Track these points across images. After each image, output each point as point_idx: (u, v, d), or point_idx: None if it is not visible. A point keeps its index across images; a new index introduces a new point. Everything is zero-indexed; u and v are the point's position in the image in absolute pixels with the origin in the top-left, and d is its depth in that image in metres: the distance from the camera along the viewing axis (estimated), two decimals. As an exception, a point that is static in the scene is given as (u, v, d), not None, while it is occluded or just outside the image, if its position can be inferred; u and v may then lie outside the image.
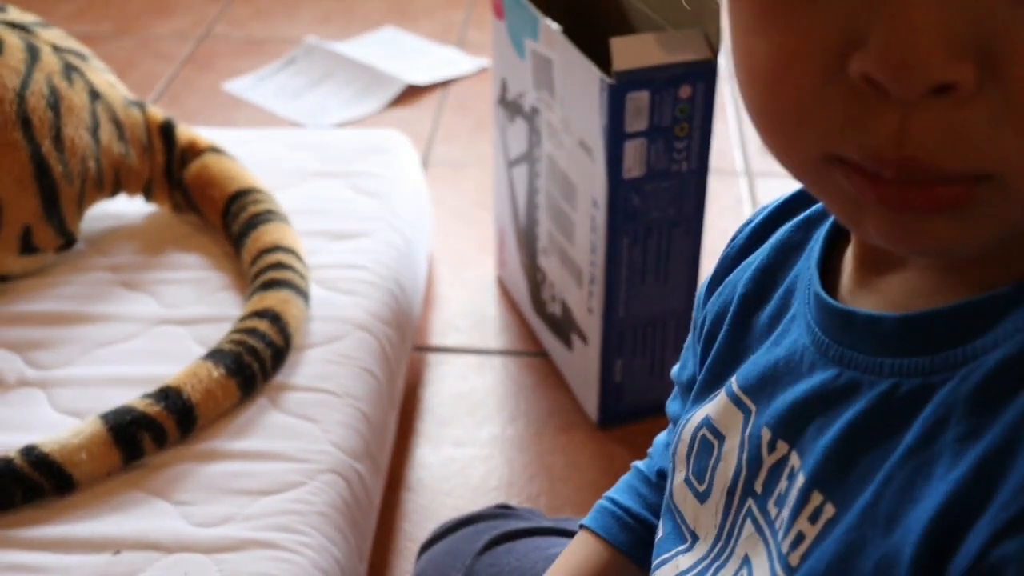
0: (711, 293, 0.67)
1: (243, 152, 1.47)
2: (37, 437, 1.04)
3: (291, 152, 1.59)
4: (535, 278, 1.51)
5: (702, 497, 0.62)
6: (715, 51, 1.19)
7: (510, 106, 1.47)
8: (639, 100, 1.19)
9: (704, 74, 1.20)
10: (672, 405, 0.76)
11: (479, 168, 1.96)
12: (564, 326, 1.43)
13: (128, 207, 1.45)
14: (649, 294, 1.31)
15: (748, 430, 0.58)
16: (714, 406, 0.61)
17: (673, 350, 1.37)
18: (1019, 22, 0.38)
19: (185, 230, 1.43)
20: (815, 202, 0.62)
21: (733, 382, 0.60)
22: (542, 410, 1.43)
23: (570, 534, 0.94)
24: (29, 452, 1.02)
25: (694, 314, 0.71)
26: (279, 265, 1.26)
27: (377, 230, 1.43)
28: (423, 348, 1.55)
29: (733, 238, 0.67)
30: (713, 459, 0.60)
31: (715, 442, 0.60)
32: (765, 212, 0.66)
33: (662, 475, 0.77)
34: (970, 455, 0.44)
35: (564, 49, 1.26)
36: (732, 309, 0.63)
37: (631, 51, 1.17)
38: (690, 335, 0.72)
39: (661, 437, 0.81)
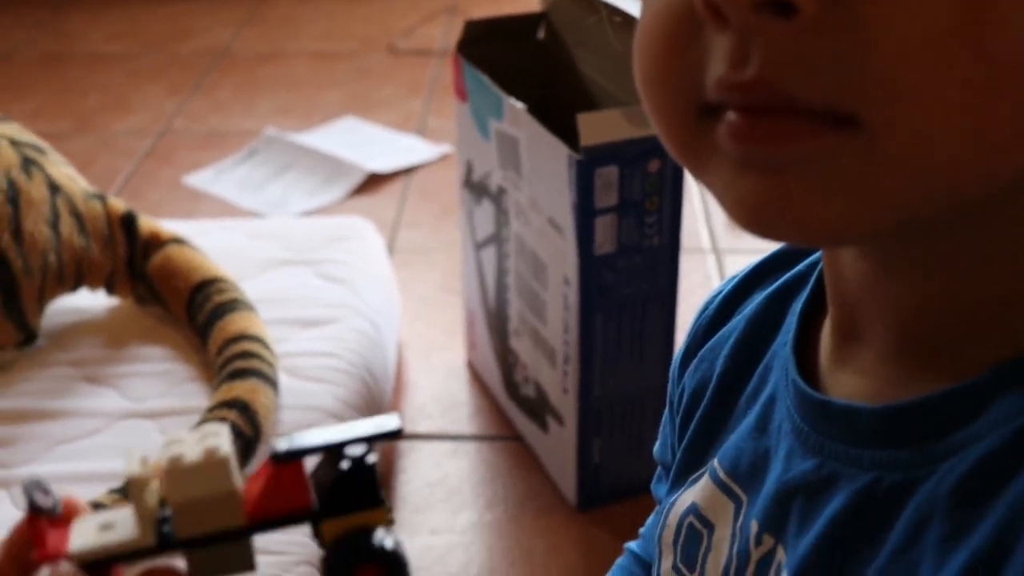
0: (685, 367, 0.63)
1: (206, 243, 1.45)
2: (-1, 539, 1.00)
3: (255, 241, 1.57)
4: (507, 360, 1.49)
5: None
6: (682, 125, 1.19)
7: (476, 187, 1.47)
8: (608, 175, 1.18)
9: (672, 148, 1.20)
10: (657, 488, 0.73)
11: (445, 253, 1.95)
12: (538, 408, 1.40)
13: (90, 301, 1.42)
14: (625, 372, 1.30)
15: (739, 521, 0.54)
16: (700, 492, 0.58)
17: (651, 427, 1.35)
18: None
19: (149, 323, 1.40)
20: (786, 269, 0.59)
21: (718, 467, 0.57)
22: (520, 494, 1.40)
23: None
24: (-10, 555, 0.98)
25: (669, 389, 0.68)
26: (246, 354, 1.24)
27: (345, 317, 1.40)
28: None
29: (703, 309, 0.64)
30: (703, 548, 0.57)
31: (704, 531, 0.57)
32: (734, 281, 0.63)
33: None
34: (957, 558, 0.41)
35: (530, 127, 1.26)
36: (712, 386, 0.59)
37: (599, 126, 1.17)
38: (666, 412, 0.69)
39: (651, 519, 0.79)
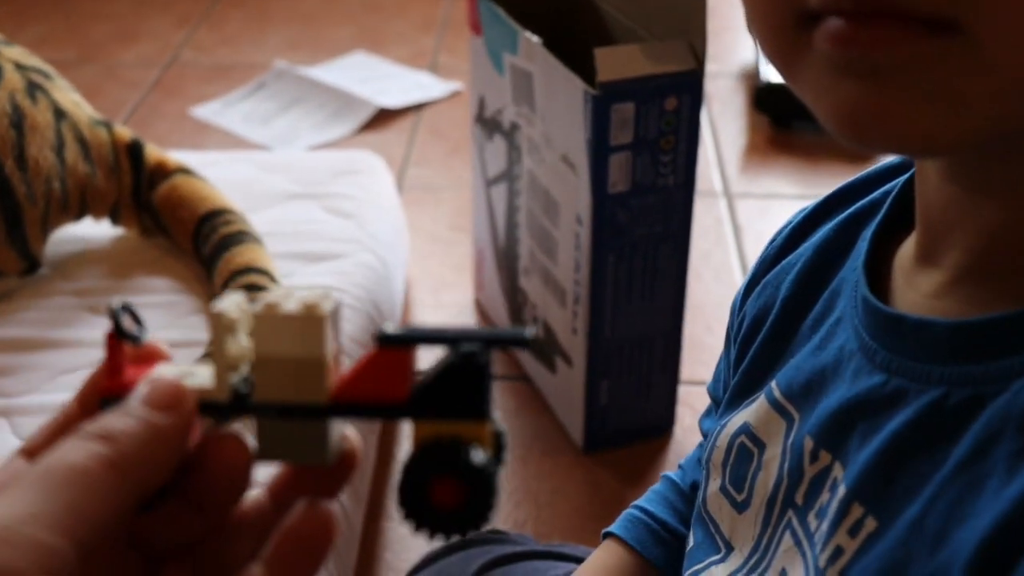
0: (748, 295, 0.64)
1: (213, 174, 1.42)
2: (-1, 467, 0.99)
3: (262, 174, 1.55)
4: (516, 300, 1.47)
5: (740, 507, 0.59)
6: (701, 62, 1.16)
7: (488, 123, 1.44)
8: (624, 112, 1.15)
9: (690, 85, 1.17)
10: (705, 422, 0.73)
11: (454, 191, 1.93)
12: (547, 348, 1.39)
13: (94, 230, 1.40)
14: (636, 313, 1.28)
15: (791, 439, 0.55)
16: (753, 412, 0.58)
17: (660, 370, 1.33)
18: None
19: (154, 254, 1.38)
20: (856, 200, 0.60)
21: (774, 387, 0.57)
22: (525, 435, 1.39)
23: (567, 558, 0.90)
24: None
25: (729, 320, 0.68)
26: (253, 287, 1.22)
27: (353, 252, 1.38)
28: (401, 373, 1.50)
29: (772, 240, 0.65)
30: (753, 467, 0.58)
31: (755, 450, 0.58)
32: (804, 213, 0.64)
33: (696, 488, 0.74)
34: None
35: (545, 62, 1.23)
36: (774, 311, 0.60)
37: (616, 62, 1.14)
38: (723, 350, 0.70)
39: (693, 453, 0.78)
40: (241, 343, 0.39)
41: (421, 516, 0.37)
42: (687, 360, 1.44)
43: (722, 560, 0.60)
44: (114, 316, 0.39)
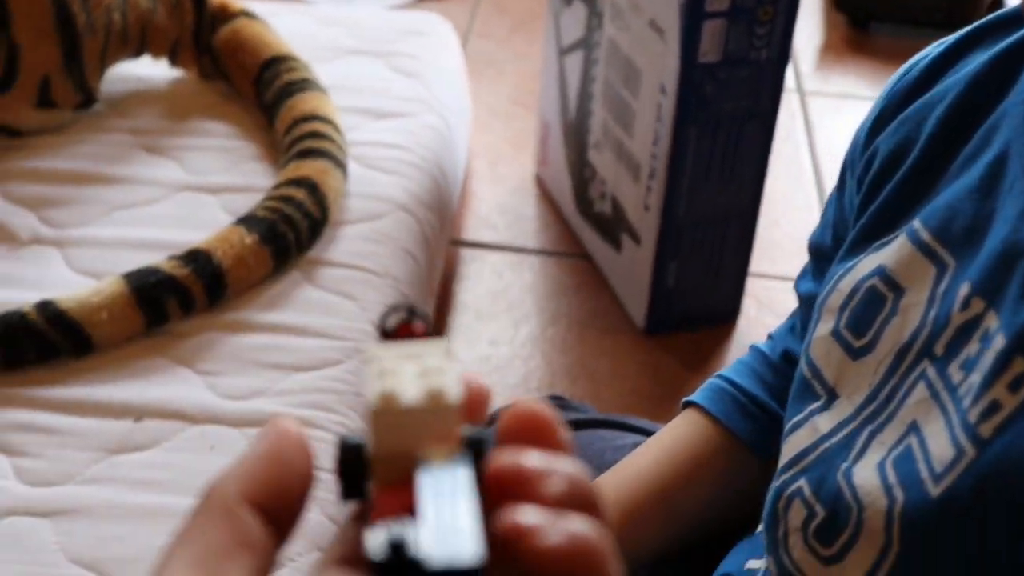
0: (877, 132, 0.59)
1: (274, 25, 1.36)
2: (52, 295, 0.95)
3: (326, 28, 1.49)
4: (582, 175, 1.41)
5: (856, 352, 0.54)
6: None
7: (568, -12, 1.37)
8: (724, -26, 1.09)
9: (795, -48, 1.10)
10: (802, 283, 0.68)
11: (516, 65, 1.86)
12: (613, 225, 1.34)
13: (152, 71, 1.35)
14: (713, 192, 1.22)
15: (942, 285, 0.51)
16: (891, 255, 0.54)
17: (733, 254, 1.28)
18: None
19: (212, 98, 1.32)
20: (1008, 31, 0.55)
21: (920, 229, 0.53)
22: (584, 313, 1.35)
23: (634, 429, 0.86)
24: (45, 308, 0.93)
25: (846, 158, 0.62)
26: (317, 134, 1.17)
27: (418, 112, 1.33)
28: (457, 242, 1.46)
29: (902, 74, 0.60)
30: (884, 313, 0.53)
31: (889, 295, 0.53)
32: (941, 47, 0.59)
33: (789, 359, 0.69)
34: None
35: (641, -82, 1.16)
36: (917, 149, 0.55)
37: (720, -81, 1.07)
38: (832, 193, 0.64)
39: (785, 322, 0.73)
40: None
41: None
42: (755, 254, 1.39)
43: (824, 409, 0.55)
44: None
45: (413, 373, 0.31)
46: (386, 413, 0.30)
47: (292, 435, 0.29)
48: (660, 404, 1.21)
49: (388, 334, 0.32)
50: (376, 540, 0.27)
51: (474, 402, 0.31)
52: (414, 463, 0.30)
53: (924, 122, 0.56)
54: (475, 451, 0.30)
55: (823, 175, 1.64)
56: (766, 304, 1.38)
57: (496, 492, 0.27)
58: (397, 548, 0.26)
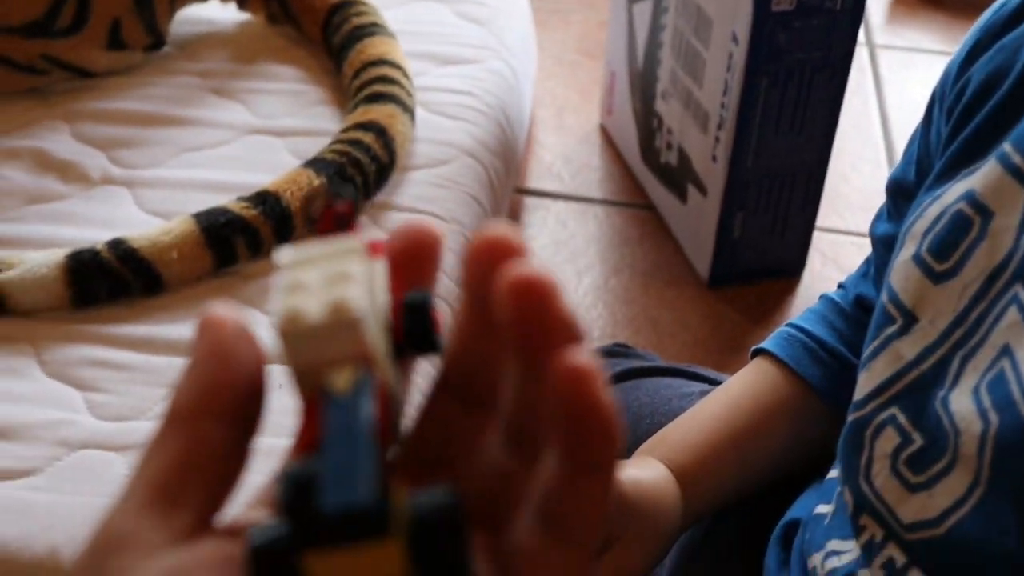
0: (971, 62, 0.58)
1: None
2: (123, 234, 0.96)
3: (391, -27, 1.48)
4: (649, 125, 1.40)
5: (938, 277, 0.53)
6: None
7: (638, -66, 1.36)
8: (800, -80, 1.07)
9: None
10: (879, 225, 0.67)
11: (583, 14, 1.84)
12: (679, 176, 1.33)
13: (220, 14, 1.35)
14: (782, 144, 1.21)
15: None
16: (981, 179, 0.53)
17: (799, 207, 1.27)
18: None
19: (280, 42, 1.33)
20: None
21: (1011, 152, 0.52)
22: (647, 263, 1.34)
23: (699, 377, 0.85)
24: (117, 246, 0.94)
25: (935, 91, 0.61)
26: (385, 79, 1.17)
27: (484, 58, 1.32)
28: (521, 191, 1.45)
29: (1000, 6, 0.58)
30: (972, 237, 0.52)
31: (977, 219, 0.52)
32: None
33: (862, 304, 0.68)
34: None
35: None
36: (1012, 75, 0.54)
37: None
38: (918, 127, 0.63)
39: (857, 270, 0.72)
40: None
41: None
42: (822, 208, 1.37)
43: (902, 333, 0.55)
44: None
45: (319, 282, 0.28)
46: (291, 334, 0.27)
47: (228, 326, 0.27)
48: (723, 356, 1.21)
49: (314, 223, 0.30)
50: (282, 478, 0.24)
51: (419, 256, 0.28)
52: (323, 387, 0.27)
53: (1020, 50, 0.55)
54: (413, 318, 0.28)
55: (892, 130, 1.61)
56: (831, 259, 1.37)
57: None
58: (300, 488, 0.24)
